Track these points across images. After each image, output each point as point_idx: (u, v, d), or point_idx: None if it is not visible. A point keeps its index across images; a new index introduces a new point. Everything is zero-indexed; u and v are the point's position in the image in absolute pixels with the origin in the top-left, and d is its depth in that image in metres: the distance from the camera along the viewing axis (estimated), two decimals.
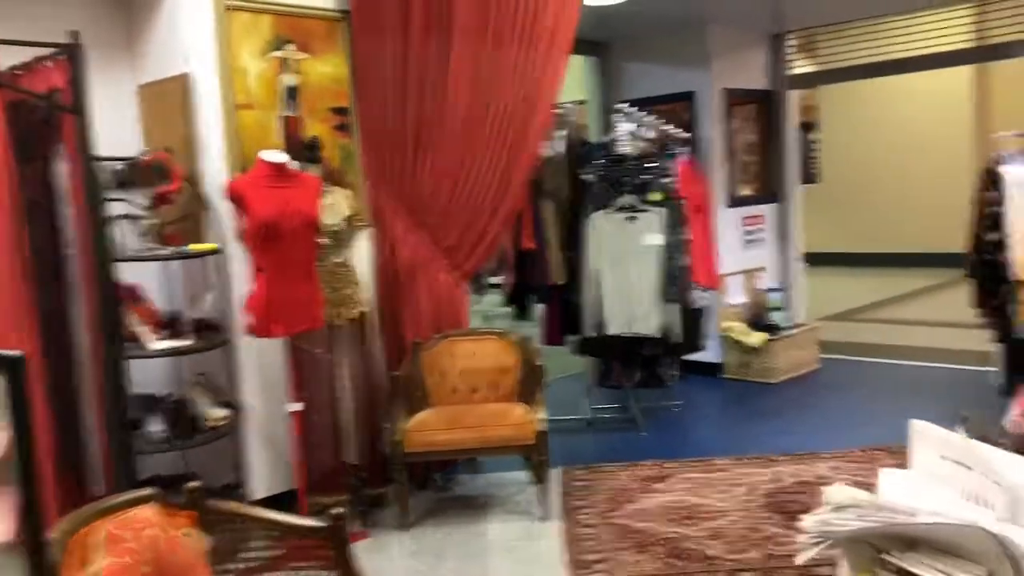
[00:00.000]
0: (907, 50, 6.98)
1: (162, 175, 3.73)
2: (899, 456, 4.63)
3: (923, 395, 6.00)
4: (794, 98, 7.40)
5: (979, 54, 7.16)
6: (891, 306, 10.17)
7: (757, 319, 6.97)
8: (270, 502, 4.21)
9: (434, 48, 4.51)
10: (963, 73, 12.08)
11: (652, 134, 5.73)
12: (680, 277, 5.11)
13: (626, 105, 5.66)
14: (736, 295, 6.88)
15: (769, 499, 4.18)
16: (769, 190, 7.43)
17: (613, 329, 5.15)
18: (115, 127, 4.00)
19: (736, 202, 7.04)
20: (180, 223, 4.05)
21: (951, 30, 6.77)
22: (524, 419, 4.14)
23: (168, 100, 4.17)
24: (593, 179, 5.24)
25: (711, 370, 6.71)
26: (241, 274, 4.01)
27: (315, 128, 4.39)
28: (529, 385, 4.43)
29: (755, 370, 6.59)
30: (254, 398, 4.18)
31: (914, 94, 12.38)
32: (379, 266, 4.65)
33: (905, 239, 12.78)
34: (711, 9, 6.45)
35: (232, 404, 4.02)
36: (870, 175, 12.80)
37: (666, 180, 5.31)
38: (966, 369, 6.69)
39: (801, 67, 7.36)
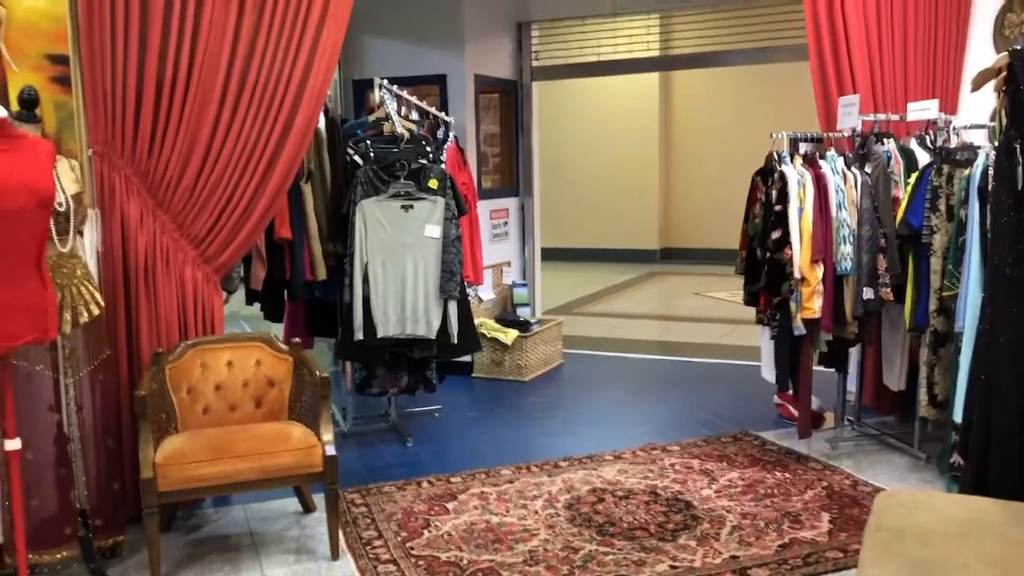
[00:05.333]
0: (638, 51, 7.16)
1: None
2: (675, 454, 4.63)
3: (670, 387, 6.15)
4: (538, 90, 7.27)
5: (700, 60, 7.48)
6: (598, 301, 10.55)
7: (504, 314, 6.78)
8: None
9: None
10: (652, 79, 12.94)
11: (415, 115, 5.26)
12: (458, 272, 4.69)
13: (385, 81, 5.10)
14: (485, 291, 6.62)
15: (571, 512, 3.91)
16: (512, 183, 7.27)
17: (385, 331, 4.60)
18: None
19: (482, 195, 6.77)
20: None
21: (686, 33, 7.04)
22: (307, 442, 3.49)
23: None
24: (360, 161, 4.63)
25: (460, 369, 6.38)
26: None
27: (24, 77, 3.38)
28: (306, 401, 3.77)
29: (507, 368, 6.38)
30: None
31: (612, 96, 13.01)
32: (106, 257, 3.72)
33: (600, 236, 13.45)
34: None
35: None
36: (566, 175, 13.18)
37: (442, 166, 4.86)
38: (691, 361, 7.03)
39: (546, 59, 7.25)
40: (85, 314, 3.27)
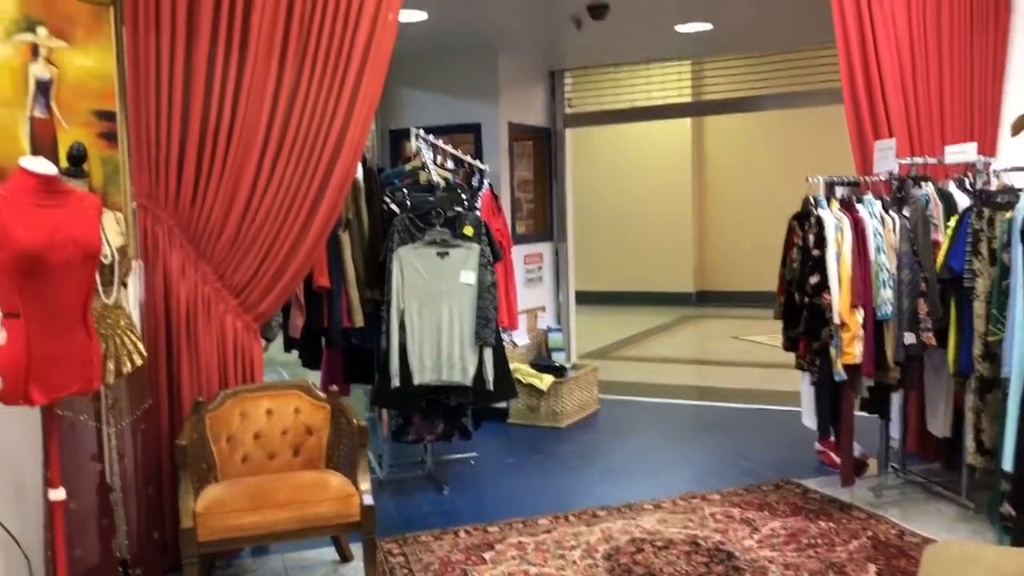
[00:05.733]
0: (670, 97, 7.21)
1: None
2: (715, 503, 4.56)
3: (709, 433, 6.07)
4: (571, 136, 7.34)
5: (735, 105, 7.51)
6: (633, 344, 10.49)
7: (539, 359, 6.77)
8: None
9: (225, 52, 3.79)
10: (685, 122, 12.98)
11: (451, 164, 5.32)
12: (494, 318, 4.70)
13: (421, 131, 5.18)
14: (520, 336, 6.62)
15: (611, 563, 3.86)
16: (546, 228, 7.31)
17: (421, 378, 4.61)
18: None
19: (516, 240, 6.81)
20: None
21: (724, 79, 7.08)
22: (345, 491, 3.49)
23: None
24: (397, 209, 4.69)
25: (495, 415, 6.34)
26: None
27: (73, 134, 3.47)
28: (344, 449, 3.78)
29: (542, 414, 6.35)
30: None
31: (644, 140, 13.07)
32: (149, 307, 3.79)
33: (635, 279, 13.43)
34: (499, 40, 6.22)
35: None
36: (601, 219, 13.21)
37: (477, 213, 4.90)
38: (730, 406, 6.95)
39: (579, 106, 7.33)
40: (128, 364, 3.32)
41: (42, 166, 2.75)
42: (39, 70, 3.37)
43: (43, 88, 3.38)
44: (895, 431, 4.88)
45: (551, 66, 7.15)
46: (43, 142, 3.36)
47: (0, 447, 3.23)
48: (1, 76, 3.23)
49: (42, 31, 3.38)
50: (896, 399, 4.74)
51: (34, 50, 3.35)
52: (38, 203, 2.69)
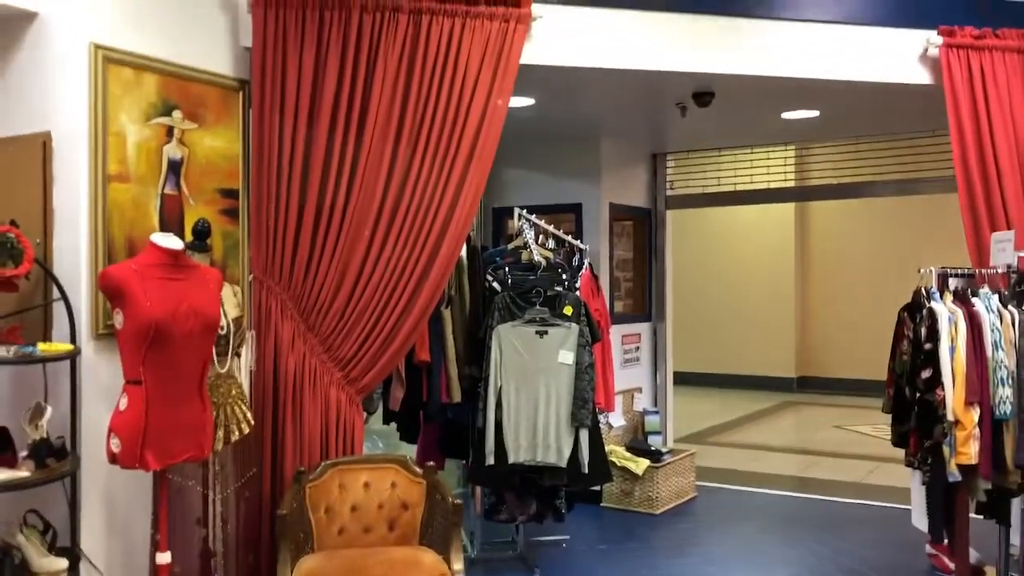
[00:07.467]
0: (774, 181, 7.16)
1: (8, 254, 2.90)
2: None
3: (811, 528, 5.82)
4: (671, 217, 7.34)
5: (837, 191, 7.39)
6: (732, 430, 10.22)
7: (634, 442, 6.66)
8: None
9: (343, 135, 3.98)
10: (788, 209, 12.81)
11: (552, 243, 5.38)
12: (591, 399, 4.67)
13: (525, 211, 5.27)
14: (616, 417, 6.54)
15: None
16: (644, 309, 7.27)
17: (515, 456, 4.60)
18: None
19: (614, 319, 6.78)
20: (19, 316, 3.19)
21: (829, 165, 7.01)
22: (438, 570, 3.48)
23: (17, 162, 3.35)
24: (499, 287, 4.76)
25: (589, 498, 6.26)
26: (100, 385, 3.19)
27: (199, 211, 3.69)
28: (438, 526, 3.79)
29: (637, 499, 6.22)
30: (98, 543, 3.28)
31: (746, 221, 12.94)
32: (259, 377, 3.92)
33: (734, 362, 13.15)
34: (603, 124, 6.32)
35: (71, 552, 3.11)
36: (701, 300, 13.04)
37: (576, 293, 4.92)
38: (834, 500, 6.66)
39: (680, 188, 7.34)
40: (237, 433, 3.43)
41: (170, 241, 2.92)
42: (172, 150, 3.61)
43: (174, 167, 3.61)
44: (1016, 538, 4.58)
45: (653, 149, 7.20)
46: (171, 217, 3.58)
47: (112, 509, 3.36)
48: (139, 156, 3.47)
49: (177, 114, 3.63)
50: (1017, 504, 4.46)
51: (169, 131, 3.59)
52: (165, 276, 2.85)
